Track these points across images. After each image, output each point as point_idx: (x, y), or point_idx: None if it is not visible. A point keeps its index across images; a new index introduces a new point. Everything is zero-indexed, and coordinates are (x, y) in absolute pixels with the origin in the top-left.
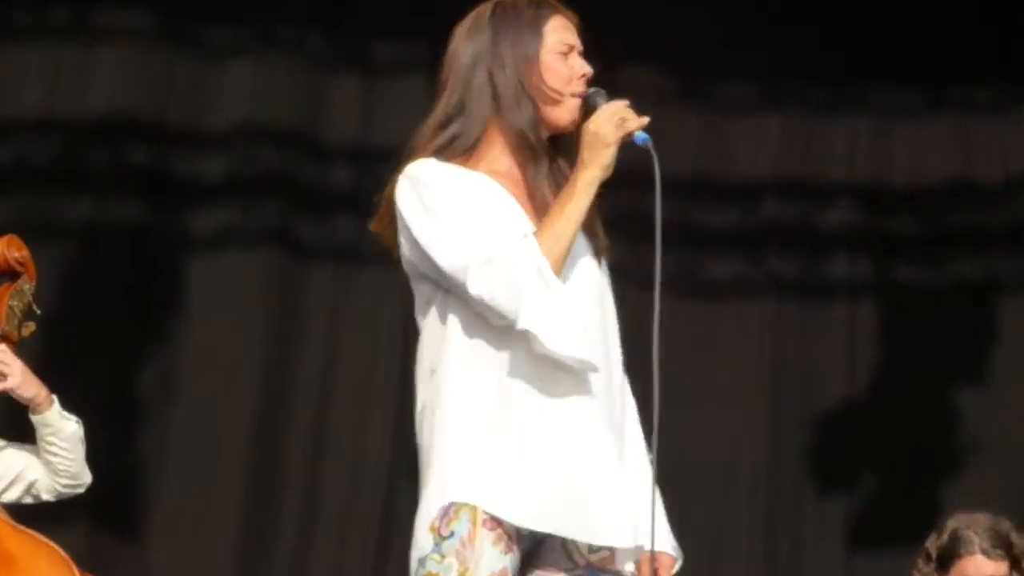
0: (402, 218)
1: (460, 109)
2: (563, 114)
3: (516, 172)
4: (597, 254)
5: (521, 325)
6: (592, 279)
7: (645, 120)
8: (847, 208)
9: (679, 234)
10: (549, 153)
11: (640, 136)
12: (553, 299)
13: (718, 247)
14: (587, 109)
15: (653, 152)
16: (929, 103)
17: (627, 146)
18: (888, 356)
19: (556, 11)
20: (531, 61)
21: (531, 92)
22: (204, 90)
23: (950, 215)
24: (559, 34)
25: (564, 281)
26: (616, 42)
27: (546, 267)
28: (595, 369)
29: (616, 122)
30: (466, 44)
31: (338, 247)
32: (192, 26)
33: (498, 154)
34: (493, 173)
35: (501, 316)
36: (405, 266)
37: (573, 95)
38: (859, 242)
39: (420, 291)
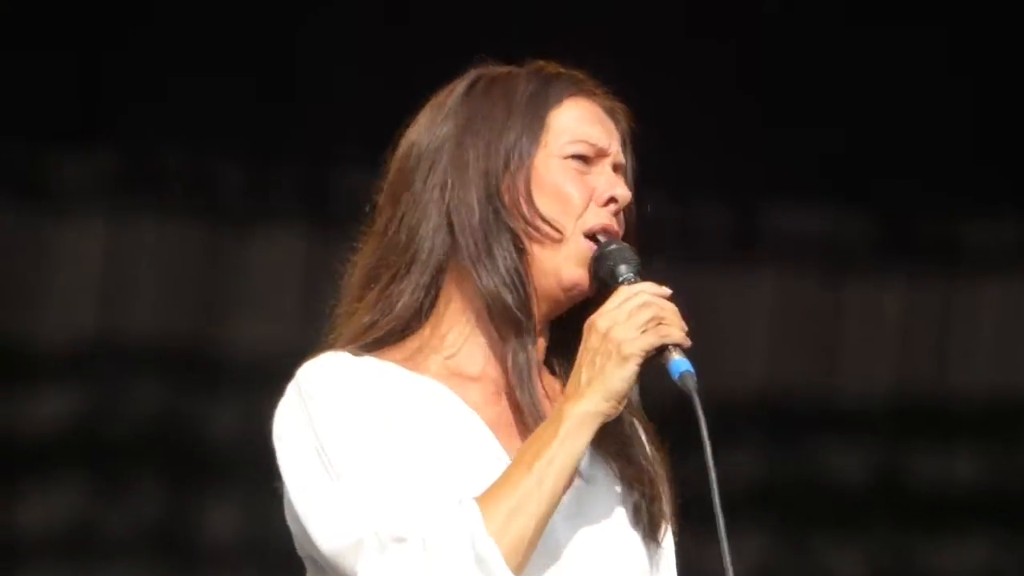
0: (276, 457)
1: (401, 255)
2: (566, 265)
3: (493, 369)
4: (646, 521)
5: None
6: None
7: (688, 339)
8: None
9: None
10: (548, 335)
11: (677, 364)
12: None
13: None
14: (597, 279)
15: (695, 394)
16: None
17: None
18: None
19: (579, 89)
20: (516, 169)
21: (512, 223)
22: None
23: None
24: (577, 127)
25: None
26: None
27: (495, 558)
28: None
29: (643, 323)
30: (419, 138)
31: None
32: None
33: (461, 334)
34: (450, 375)
35: None
36: (297, 548)
37: (586, 234)
38: None
39: None
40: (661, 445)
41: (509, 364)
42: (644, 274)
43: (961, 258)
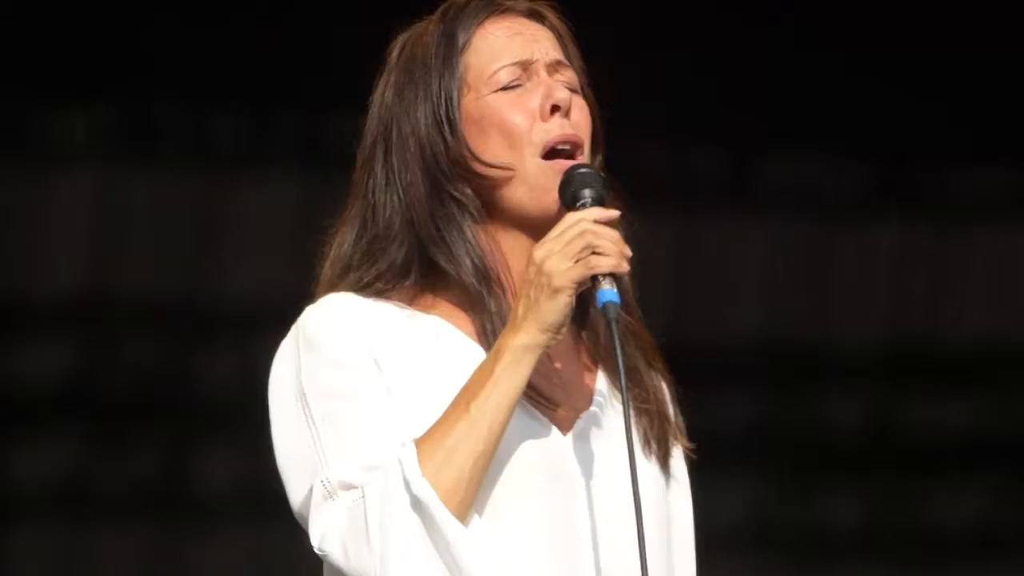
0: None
1: (387, 229)
2: (530, 195)
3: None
4: (655, 440)
5: None
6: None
7: (624, 265)
8: None
9: None
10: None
11: (602, 294)
12: (454, 553)
13: None
14: (565, 205)
15: (614, 323)
16: None
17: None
18: None
19: (490, 11)
20: (449, 126)
21: (455, 190)
22: None
23: None
24: (494, 57)
25: (506, 516)
26: None
27: (431, 500)
28: None
29: (576, 253)
30: (373, 112)
31: None
32: None
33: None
34: (453, 311)
35: None
36: None
37: (537, 155)
38: None
39: None
40: (666, 368)
41: (478, 328)
42: (610, 197)
43: (954, 206)
